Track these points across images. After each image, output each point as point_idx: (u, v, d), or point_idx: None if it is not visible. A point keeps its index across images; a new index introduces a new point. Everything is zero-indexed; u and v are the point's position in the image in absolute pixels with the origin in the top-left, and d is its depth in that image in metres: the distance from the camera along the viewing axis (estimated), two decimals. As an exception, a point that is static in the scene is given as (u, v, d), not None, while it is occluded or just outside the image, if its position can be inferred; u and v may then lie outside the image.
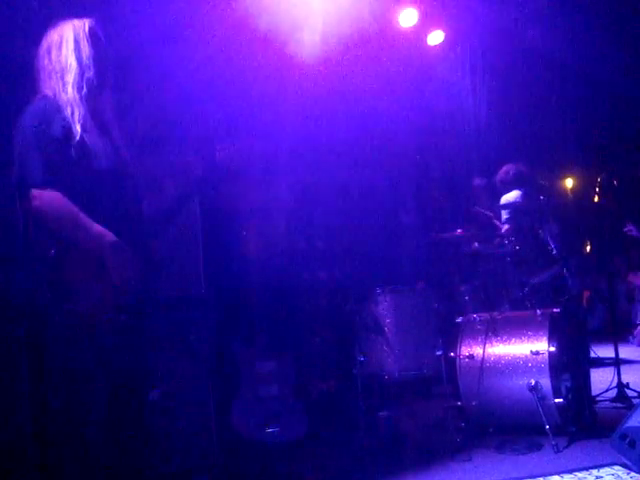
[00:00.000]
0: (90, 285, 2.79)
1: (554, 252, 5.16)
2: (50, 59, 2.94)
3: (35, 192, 2.74)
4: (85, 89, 2.92)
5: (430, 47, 8.02)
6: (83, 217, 2.77)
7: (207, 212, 4.73)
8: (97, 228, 2.79)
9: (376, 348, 5.15)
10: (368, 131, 7.62)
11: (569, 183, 10.03)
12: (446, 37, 7.91)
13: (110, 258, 2.79)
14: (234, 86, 5.95)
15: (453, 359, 4.91)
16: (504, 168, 6.48)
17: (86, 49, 2.95)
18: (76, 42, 2.94)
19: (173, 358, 4.39)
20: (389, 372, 5.07)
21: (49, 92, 2.91)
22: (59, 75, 2.91)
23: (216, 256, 4.97)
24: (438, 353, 4.98)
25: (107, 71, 3.02)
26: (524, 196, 5.88)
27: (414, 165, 8.31)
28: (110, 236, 2.80)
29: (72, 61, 2.92)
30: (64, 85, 2.90)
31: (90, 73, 2.94)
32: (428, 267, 6.81)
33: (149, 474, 3.61)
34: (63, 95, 2.88)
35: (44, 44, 2.99)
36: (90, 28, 2.99)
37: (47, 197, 2.74)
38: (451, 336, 5.06)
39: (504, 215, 6.24)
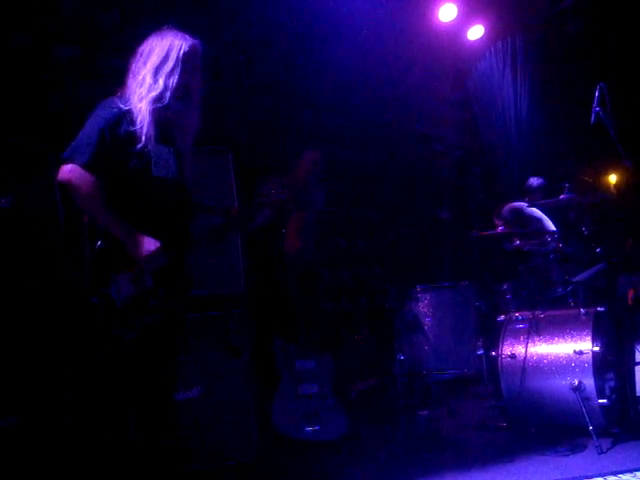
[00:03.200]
0: (127, 280, 2.89)
1: (598, 249, 5.07)
2: (137, 65, 3.06)
3: (76, 168, 2.88)
4: (158, 104, 3.00)
5: (470, 42, 7.95)
6: (109, 207, 2.90)
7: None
8: (125, 224, 2.91)
9: (416, 347, 5.14)
10: (407, 127, 7.59)
11: (613, 179, 9.86)
12: (486, 32, 7.83)
13: (138, 256, 2.90)
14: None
15: (495, 358, 4.85)
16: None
17: (171, 68, 3.02)
18: (164, 59, 3.03)
19: (213, 356, 4.41)
20: (429, 371, 5.05)
21: (128, 94, 3.03)
22: (139, 83, 3.02)
23: (256, 254, 4.98)
24: (479, 352, 4.93)
25: (187, 93, 3.07)
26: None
27: (454, 161, 8.25)
28: (142, 238, 2.91)
29: (151, 76, 3.01)
30: (140, 94, 3.00)
31: (166, 92, 3.01)
32: (469, 265, 6.75)
33: (188, 471, 3.65)
34: (137, 103, 2.99)
35: (141, 48, 3.09)
36: (186, 52, 3.05)
37: (83, 176, 2.87)
38: (492, 335, 5.00)
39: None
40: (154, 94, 2.99)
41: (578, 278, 5.04)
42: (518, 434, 4.66)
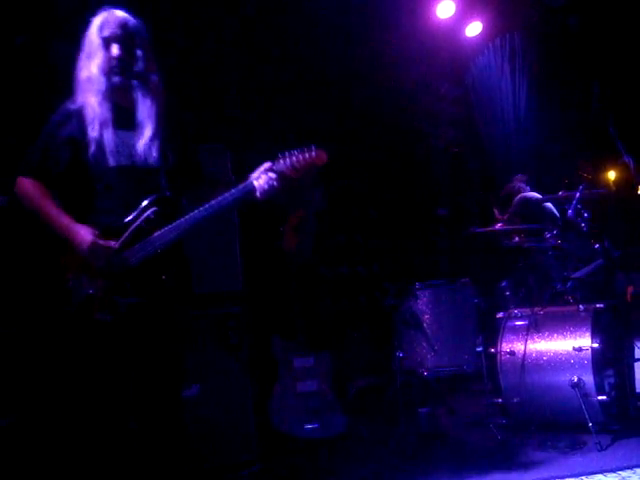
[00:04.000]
0: (80, 282, 2.89)
1: (597, 246, 5.05)
2: (77, 62, 3.03)
3: (21, 179, 2.99)
4: (102, 90, 2.96)
5: (468, 38, 7.95)
6: (51, 207, 2.94)
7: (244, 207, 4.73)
8: (64, 220, 2.91)
9: (415, 344, 5.12)
10: (405, 124, 7.57)
11: (611, 175, 9.84)
12: (484, 28, 7.82)
13: (81, 252, 2.87)
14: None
15: (494, 355, 4.84)
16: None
17: (96, 50, 2.98)
18: (89, 45, 3.00)
19: (211, 354, 4.40)
20: (428, 368, 5.03)
21: (77, 95, 3.01)
22: (81, 79, 3.00)
23: (254, 251, 4.97)
24: (478, 349, 4.93)
25: (126, 66, 2.98)
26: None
27: (452, 158, 8.24)
28: (79, 231, 2.88)
29: (86, 67, 2.99)
30: (84, 89, 2.99)
31: (102, 74, 2.96)
32: (468, 262, 6.74)
33: (189, 470, 3.63)
34: (84, 98, 2.97)
35: None
36: (101, 26, 2.99)
37: (26, 184, 2.98)
38: (491, 332, 4.99)
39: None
40: (95, 85, 2.95)
41: (577, 274, 5.03)
42: (517, 431, 4.65)
